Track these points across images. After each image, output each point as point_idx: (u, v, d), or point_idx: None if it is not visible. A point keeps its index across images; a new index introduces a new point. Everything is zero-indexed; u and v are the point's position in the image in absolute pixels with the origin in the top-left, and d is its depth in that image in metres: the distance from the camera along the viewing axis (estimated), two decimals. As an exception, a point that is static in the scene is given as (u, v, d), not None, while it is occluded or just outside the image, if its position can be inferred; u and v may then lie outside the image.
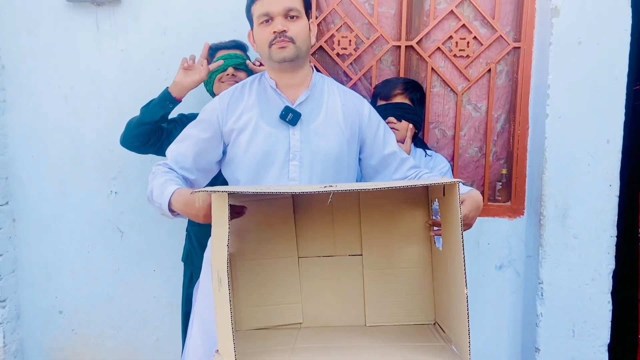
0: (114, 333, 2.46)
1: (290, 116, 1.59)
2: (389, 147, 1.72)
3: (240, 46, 2.09)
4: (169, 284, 2.42)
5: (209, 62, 2.03)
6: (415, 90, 1.99)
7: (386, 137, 1.72)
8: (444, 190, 1.44)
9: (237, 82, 1.97)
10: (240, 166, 1.61)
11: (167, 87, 1.95)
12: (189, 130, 1.64)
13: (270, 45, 1.54)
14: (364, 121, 1.69)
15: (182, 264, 2.19)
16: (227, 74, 2.00)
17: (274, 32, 1.53)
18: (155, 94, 1.97)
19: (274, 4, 1.53)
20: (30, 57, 2.31)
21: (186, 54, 2.24)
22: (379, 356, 1.37)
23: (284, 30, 1.53)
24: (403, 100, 1.96)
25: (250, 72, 2.04)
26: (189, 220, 2.00)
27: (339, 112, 1.66)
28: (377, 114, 1.75)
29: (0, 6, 2.26)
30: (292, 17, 1.54)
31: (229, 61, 2.00)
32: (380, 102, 1.98)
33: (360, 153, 1.73)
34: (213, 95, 2.08)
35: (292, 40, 1.54)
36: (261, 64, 2.01)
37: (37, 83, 2.33)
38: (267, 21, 1.54)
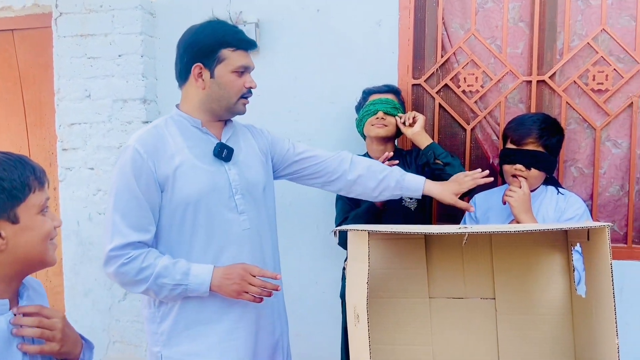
0: None
1: (225, 152, 1.57)
2: (299, 147, 1.76)
3: (393, 91, 2.11)
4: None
5: (361, 105, 2.10)
6: (552, 136, 1.80)
7: (291, 142, 1.77)
8: (589, 234, 1.38)
9: (386, 125, 2.02)
10: (187, 209, 1.50)
11: None
12: (124, 194, 1.46)
13: (240, 98, 1.56)
14: (268, 140, 1.72)
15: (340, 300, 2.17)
16: (377, 117, 2.02)
17: (249, 87, 1.56)
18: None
19: (251, 60, 1.58)
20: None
21: (315, 97, 2.41)
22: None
23: (253, 87, 1.58)
24: (536, 148, 1.78)
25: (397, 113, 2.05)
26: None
27: (252, 141, 1.68)
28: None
29: (159, 66, 2.57)
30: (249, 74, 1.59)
31: (380, 106, 2.02)
32: (510, 145, 1.83)
33: (277, 170, 1.74)
34: (364, 137, 2.13)
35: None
36: (411, 124, 2.00)
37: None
38: (242, 72, 1.55)
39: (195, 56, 1.52)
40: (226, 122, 1.63)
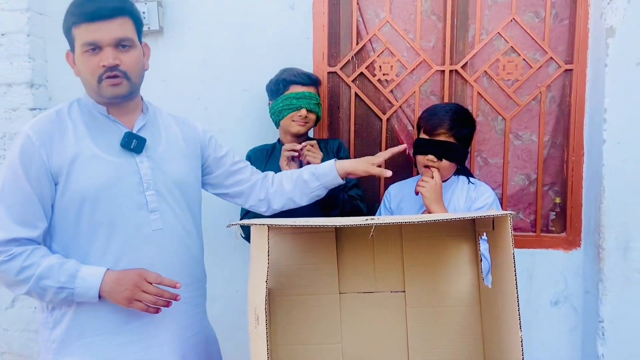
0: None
1: (135, 143, 1.42)
2: (231, 158, 1.67)
3: (316, 82, 1.98)
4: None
5: (279, 93, 1.94)
6: (463, 127, 1.80)
7: (228, 151, 1.68)
8: (494, 223, 1.36)
9: (307, 123, 1.93)
10: (83, 205, 1.35)
11: None
12: (10, 185, 1.33)
13: (100, 80, 1.35)
14: (203, 141, 1.62)
15: None
16: (300, 115, 1.90)
17: (104, 65, 1.33)
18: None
19: (102, 32, 1.32)
20: (76, 88, 2.33)
21: (226, 83, 2.27)
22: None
23: (116, 65, 1.34)
24: (447, 139, 1.77)
25: (319, 113, 1.96)
26: None
27: (179, 135, 1.56)
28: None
29: (49, 46, 2.32)
30: (123, 47, 1.36)
31: (303, 102, 1.89)
32: (423, 136, 1.82)
33: (207, 175, 1.64)
34: (277, 124, 2.01)
35: (125, 76, 1.36)
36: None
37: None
38: (93, 49, 1.34)
39: (68, 43, 1.41)
40: (143, 109, 1.49)
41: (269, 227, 1.23)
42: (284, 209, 1.69)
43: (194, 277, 1.54)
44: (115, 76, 1.34)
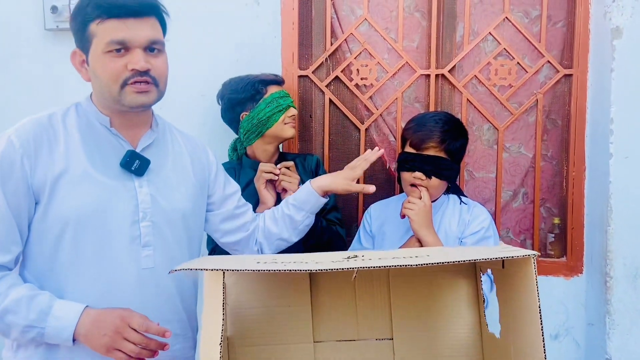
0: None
1: (137, 164, 1.27)
2: (236, 200, 1.52)
3: (283, 82, 1.86)
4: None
5: (258, 97, 1.74)
6: (456, 139, 1.63)
7: (237, 189, 1.53)
8: (504, 262, 1.13)
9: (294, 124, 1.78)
10: (65, 232, 1.21)
11: None
12: None
13: (124, 85, 1.21)
14: (212, 171, 1.46)
15: None
16: (291, 115, 1.73)
17: (133, 69, 1.20)
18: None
19: (134, 30, 1.20)
20: (8, 91, 2.13)
21: (182, 88, 2.01)
22: None
23: (148, 69, 1.21)
24: (437, 154, 1.60)
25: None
26: None
27: (187, 158, 1.40)
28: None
29: None
30: (152, 50, 1.24)
31: (289, 100, 1.75)
32: (409, 149, 1.65)
33: (206, 212, 1.48)
34: (253, 138, 1.77)
35: (154, 83, 1.24)
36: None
37: (14, 117, 2.10)
38: (118, 50, 1.21)
39: (75, 40, 1.26)
40: (152, 124, 1.34)
41: (224, 272, 1.02)
42: (279, 251, 1.54)
43: (184, 327, 1.39)
44: (145, 82, 1.21)
